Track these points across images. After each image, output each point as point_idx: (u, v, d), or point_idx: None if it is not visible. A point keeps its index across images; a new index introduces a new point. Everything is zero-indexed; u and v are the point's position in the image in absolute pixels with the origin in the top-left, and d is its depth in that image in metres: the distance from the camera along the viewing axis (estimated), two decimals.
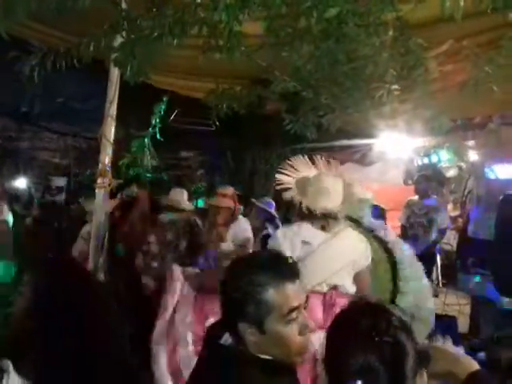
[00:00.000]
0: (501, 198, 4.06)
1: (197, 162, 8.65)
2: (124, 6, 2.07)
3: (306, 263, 2.66)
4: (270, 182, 7.52)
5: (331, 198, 2.82)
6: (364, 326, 1.18)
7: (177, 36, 2.02)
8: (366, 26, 1.77)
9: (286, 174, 2.99)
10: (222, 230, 4.19)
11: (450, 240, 6.58)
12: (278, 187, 2.94)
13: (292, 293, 1.34)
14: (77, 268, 1.90)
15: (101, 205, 3.54)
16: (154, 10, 1.90)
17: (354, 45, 1.83)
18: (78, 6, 1.76)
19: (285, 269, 1.38)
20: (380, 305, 1.30)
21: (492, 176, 4.85)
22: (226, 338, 1.41)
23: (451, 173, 6.36)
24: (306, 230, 2.79)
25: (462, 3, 1.58)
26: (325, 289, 2.74)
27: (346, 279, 2.79)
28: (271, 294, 1.31)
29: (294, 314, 1.33)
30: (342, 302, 2.60)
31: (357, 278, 2.82)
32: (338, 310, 2.51)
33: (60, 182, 7.61)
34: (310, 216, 2.79)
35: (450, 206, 6.06)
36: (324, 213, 2.76)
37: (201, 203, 7.29)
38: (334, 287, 2.75)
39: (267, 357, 1.35)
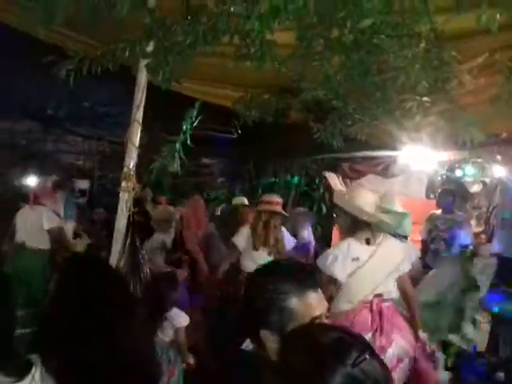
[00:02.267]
0: None
1: (218, 170, 8.69)
2: (158, 13, 2.10)
3: (355, 278, 2.89)
4: (289, 192, 7.52)
5: (373, 208, 2.94)
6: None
7: (209, 43, 2.05)
8: (399, 38, 1.76)
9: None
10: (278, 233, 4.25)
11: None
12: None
13: (314, 301, 1.34)
14: (105, 266, 1.93)
15: (123, 208, 3.57)
16: (189, 17, 1.93)
17: (385, 56, 1.83)
18: (115, 14, 1.79)
19: (307, 278, 1.38)
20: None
21: None
22: (248, 344, 1.42)
23: (475, 188, 6.26)
24: (355, 248, 2.94)
25: (498, 16, 1.57)
26: (370, 298, 2.91)
27: (389, 285, 2.99)
28: (294, 302, 1.31)
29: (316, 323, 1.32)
30: (386, 308, 2.89)
31: (399, 282, 3.02)
32: (384, 315, 2.87)
33: (83, 184, 7.72)
34: (354, 231, 2.95)
35: (473, 222, 5.95)
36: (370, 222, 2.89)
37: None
38: (379, 295, 2.93)
39: None
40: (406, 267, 3.03)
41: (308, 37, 1.98)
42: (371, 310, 2.88)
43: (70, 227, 5.52)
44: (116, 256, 3.49)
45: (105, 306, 1.59)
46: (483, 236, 5.75)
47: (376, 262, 2.93)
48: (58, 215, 5.12)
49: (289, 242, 4.43)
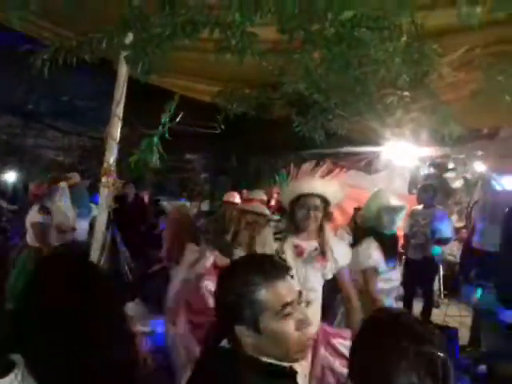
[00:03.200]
0: (507, 209, 4.02)
1: (200, 165, 8.62)
2: (136, 2, 2.06)
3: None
4: (272, 189, 7.50)
5: None
6: (406, 344, 1.19)
7: (189, 35, 2.01)
8: (380, 31, 1.75)
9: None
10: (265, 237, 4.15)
11: (454, 251, 6.53)
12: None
13: (283, 289, 1.36)
14: (86, 263, 1.88)
15: (104, 205, 3.52)
16: (167, 8, 1.89)
17: (366, 49, 1.82)
18: (89, 6, 1.75)
19: (273, 267, 1.41)
20: (414, 319, 1.32)
21: (499, 187, 4.81)
22: (226, 342, 1.41)
23: (457, 183, 6.33)
24: None
25: (478, 10, 1.56)
26: None
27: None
28: (263, 293, 1.34)
29: (287, 310, 1.34)
30: None
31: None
32: None
33: None
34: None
35: (454, 217, 6.02)
36: None
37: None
38: None
39: (267, 359, 1.35)
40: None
41: (289, 29, 1.95)
42: None
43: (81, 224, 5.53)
44: (96, 253, 3.45)
45: (86, 305, 1.55)
46: (464, 231, 5.82)
47: None
48: (48, 211, 5.06)
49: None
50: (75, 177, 6.07)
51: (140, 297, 4.20)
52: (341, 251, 2.94)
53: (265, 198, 4.25)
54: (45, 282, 1.64)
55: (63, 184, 5.46)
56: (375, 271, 3.46)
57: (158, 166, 2.37)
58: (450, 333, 4.57)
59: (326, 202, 2.75)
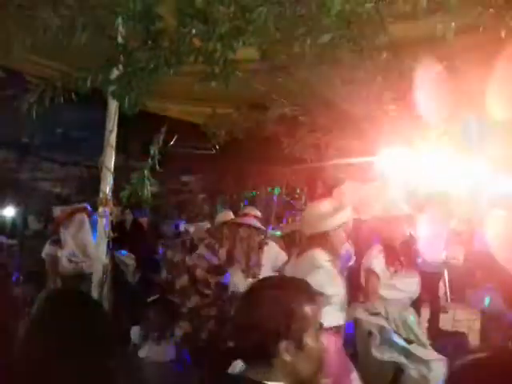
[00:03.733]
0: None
1: (198, 186, 8.64)
2: (120, 39, 2.09)
3: None
4: (272, 204, 7.52)
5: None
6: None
7: (173, 66, 2.04)
8: (360, 51, 1.79)
9: None
10: (260, 255, 4.04)
11: (458, 255, 6.50)
12: None
13: (318, 310, 1.44)
14: (85, 300, 1.88)
15: (102, 234, 3.52)
16: (150, 42, 1.92)
17: (348, 69, 1.85)
18: (75, 42, 1.78)
19: (309, 288, 1.50)
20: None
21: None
22: (236, 366, 1.42)
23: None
24: None
25: (453, 24, 1.60)
26: None
27: None
28: (308, 310, 1.40)
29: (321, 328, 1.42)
30: None
31: None
32: None
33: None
34: None
35: (455, 221, 6.01)
36: None
37: None
38: None
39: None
40: None
41: (270, 53, 1.99)
42: None
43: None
44: (97, 285, 3.45)
45: (83, 345, 1.55)
46: (465, 235, 5.80)
47: None
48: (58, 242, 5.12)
49: (280, 254, 4.22)
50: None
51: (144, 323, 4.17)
52: None
53: (258, 213, 4.24)
54: (41, 321, 1.64)
55: (80, 215, 5.43)
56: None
57: (150, 198, 2.37)
58: (459, 338, 4.54)
59: None
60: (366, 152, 5.08)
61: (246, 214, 4.15)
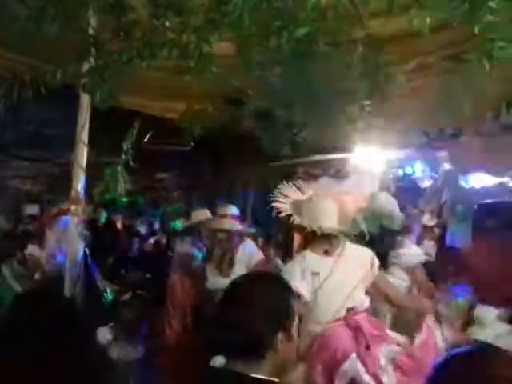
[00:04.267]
0: (475, 207, 4.11)
1: (173, 183, 8.55)
2: (91, 31, 2.03)
3: (320, 295, 2.68)
4: (247, 201, 7.51)
5: (331, 217, 2.82)
6: None
7: (146, 59, 1.99)
8: (336, 44, 1.78)
9: (280, 201, 2.95)
10: (233, 255, 3.92)
11: (429, 250, 6.63)
12: (281, 215, 2.89)
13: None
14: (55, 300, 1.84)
15: (74, 233, 3.45)
16: (122, 34, 1.87)
17: (324, 63, 1.84)
18: (43, 34, 1.72)
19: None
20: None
21: (466, 186, 4.92)
22: (216, 360, 1.44)
23: (426, 183, 6.46)
24: (312, 260, 2.76)
25: (428, 19, 1.60)
26: (343, 313, 2.69)
27: (359, 296, 2.77)
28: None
29: None
30: (363, 320, 2.67)
31: (372, 288, 2.84)
32: (364, 329, 2.63)
33: (33, 209, 7.40)
34: (313, 241, 2.80)
35: (426, 217, 6.13)
36: (328, 233, 2.74)
37: (178, 225, 7.18)
38: (351, 309, 2.71)
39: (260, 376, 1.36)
40: (373, 273, 2.84)
41: (247, 47, 1.96)
42: (349, 327, 2.66)
43: None
44: (70, 283, 3.37)
45: (52, 348, 1.52)
46: (436, 230, 5.92)
47: (340, 274, 2.73)
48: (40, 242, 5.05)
49: (256, 252, 4.17)
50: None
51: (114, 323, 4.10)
52: None
53: (236, 212, 4.14)
54: (12, 321, 1.61)
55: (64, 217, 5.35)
56: None
57: (123, 193, 2.32)
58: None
59: None
60: (341, 148, 5.14)
61: (224, 216, 4.03)
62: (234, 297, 1.46)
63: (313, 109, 2.20)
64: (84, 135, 3.51)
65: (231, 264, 3.91)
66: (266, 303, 1.41)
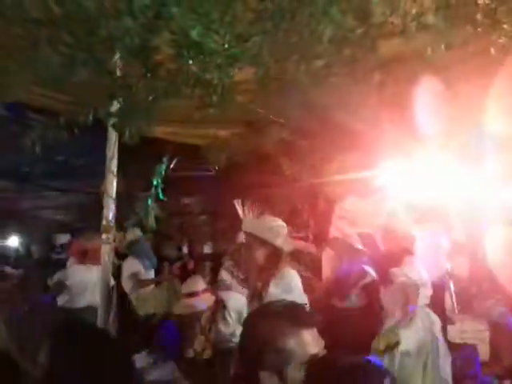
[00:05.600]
0: None
1: (198, 208, 8.65)
2: (118, 73, 2.15)
3: None
4: None
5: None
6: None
7: (171, 96, 2.09)
8: (353, 73, 1.83)
9: None
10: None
11: (462, 266, 6.48)
12: None
13: (310, 340, 1.34)
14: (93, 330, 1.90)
15: (106, 261, 3.55)
16: (148, 74, 1.97)
17: (342, 92, 1.89)
18: (76, 78, 1.83)
19: (302, 317, 1.40)
20: None
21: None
22: None
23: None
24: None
25: (442, 47, 1.65)
26: None
27: None
28: (291, 342, 1.31)
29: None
30: None
31: None
32: None
33: (64, 239, 7.61)
34: (277, 259, 2.86)
35: (457, 233, 6.02)
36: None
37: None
38: None
39: None
40: None
41: (266, 80, 2.04)
42: None
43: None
44: (103, 312, 3.45)
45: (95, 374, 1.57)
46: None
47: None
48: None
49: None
50: (136, 232, 6.06)
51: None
52: None
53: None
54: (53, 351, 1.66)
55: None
56: None
57: (154, 226, 2.41)
58: (468, 350, 4.51)
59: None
60: (366, 166, 5.13)
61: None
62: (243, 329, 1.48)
63: (334, 135, 2.26)
64: (113, 166, 3.65)
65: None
66: (246, 340, 1.40)
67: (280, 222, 2.94)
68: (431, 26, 1.58)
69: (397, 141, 2.61)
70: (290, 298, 2.32)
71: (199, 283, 3.77)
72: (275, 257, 2.78)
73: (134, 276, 5.64)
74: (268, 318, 1.38)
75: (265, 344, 1.32)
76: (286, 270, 2.81)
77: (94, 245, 4.59)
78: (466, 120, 2.49)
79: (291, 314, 1.39)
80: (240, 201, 3.01)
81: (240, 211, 2.99)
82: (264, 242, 2.80)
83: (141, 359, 3.89)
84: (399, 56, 2.53)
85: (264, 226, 2.84)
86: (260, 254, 2.78)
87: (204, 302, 3.66)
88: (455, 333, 5.74)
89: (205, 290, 3.72)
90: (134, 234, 5.51)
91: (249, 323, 1.45)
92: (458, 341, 5.14)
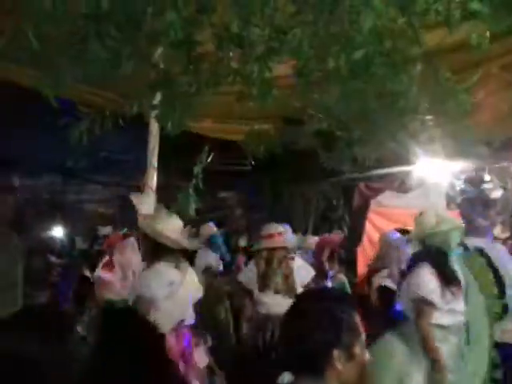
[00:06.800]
0: None
1: (235, 202, 8.76)
2: (162, 66, 2.21)
3: (170, 303, 2.82)
4: (308, 217, 7.53)
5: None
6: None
7: (212, 88, 2.14)
8: (394, 64, 1.82)
9: None
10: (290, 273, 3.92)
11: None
12: None
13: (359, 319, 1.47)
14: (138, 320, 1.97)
15: None
16: (191, 67, 2.02)
17: (382, 83, 1.88)
18: (122, 72, 1.90)
19: (351, 299, 1.58)
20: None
21: None
22: (284, 378, 1.46)
23: (496, 194, 6.18)
24: (169, 271, 2.91)
25: (487, 34, 1.62)
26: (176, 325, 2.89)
27: (191, 311, 3.05)
28: (356, 319, 1.44)
29: None
30: (188, 333, 2.93)
31: None
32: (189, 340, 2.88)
33: (106, 230, 7.86)
34: (160, 254, 2.93)
35: (498, 228, 5.85)
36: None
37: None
38: (182, 321, 2.93)
39: None
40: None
41: (305, 71, 2.05)
42: (178, 337, 2.86)
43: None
44: None
45: (140, 361, 1.62)
46: (510, 242, 5.64)
47: (186, 288, 2.92)
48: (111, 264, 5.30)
49: (307, 273, 4.08)
50: (212, 226, 6.29)
51: None
52: None
53: (282, 229, 4.11)
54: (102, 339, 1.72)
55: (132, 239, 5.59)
56: (430, 304, 3.11)
57: (194, 215, 2.48)
58: (508, 349, 4.37)
59: None
60: (404, 162, 5.05)
61: (268, 236, 3.99)
62: (289, 315, 1.51)
63: (372, 127, 2.25)
64: (154, 160, 3.76)
65: (286, 279, 3.94)
66: (316, 322, 1.41)
67: None
68: (476, 13, 1.55)
69: (438, 134, 2.56)
70: None
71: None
72: None
73: (209, 268, 5.77)
74: (337, 299, 1.50)
75: (342, 321, 1.41)
76: None
77: None
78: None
79: (346, 297, 1.65)
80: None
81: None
82: None
83: None
84: (442, 47, 2.50)
85: None
86: None
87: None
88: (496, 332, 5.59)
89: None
90: (210, 228, 5.70)
91: (317, 304, 1.48)
92: (497, 340, 5.01)
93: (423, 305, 3.12)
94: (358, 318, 1.45)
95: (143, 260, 3.19)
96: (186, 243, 3.04)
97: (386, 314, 3.82)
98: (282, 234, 4.01)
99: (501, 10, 1.77)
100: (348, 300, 1.55)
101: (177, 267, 2.93)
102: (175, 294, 2.84)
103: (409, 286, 3.23)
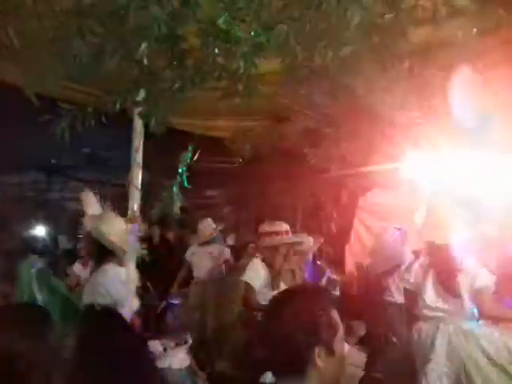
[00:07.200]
0: None
1: (223, 200, 8.69)
2: (146, 61, 2.16)
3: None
4: (297, 214, 7.51)
5: None
6: None
7: (197, 84, 2.10)
8: (381, 60, 1.80)
9: None
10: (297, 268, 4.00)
11: (490, 261, 6.33)
12: None
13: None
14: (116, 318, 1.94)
15: (132, 250, 3.59)
16: (175, 62, 1.98)
17: (369, 79, 1.86)
18: (105, 68, 1.86)
19: (329, 294, 1.57)
20: None
21: None
22: (266, 377, 1.44)
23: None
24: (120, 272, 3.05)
25: (474, 30, 1.60)
26: None
27: None
28: (335, 315, 1.42)
29: None
30: None
31: None
32: None
33: None
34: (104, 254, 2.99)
35: (485, 226, 5.89)
36: None
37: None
38: None
39: None
40: None
41: (293, 67, 2.02)
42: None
43: None
44: (133, 300, 3.51)
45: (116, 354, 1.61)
46: None
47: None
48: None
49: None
50: (210, 222, 6.25)
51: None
52: None
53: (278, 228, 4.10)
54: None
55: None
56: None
57: (179, 213, 2.44)
58: None
59: None
60: (392, 158, 5.05)
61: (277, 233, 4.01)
62: (269, 315, 1.48)
63: (360, 124, 2.23)
64: (138, 157, 3.70)
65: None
66: (295, 321, 1.39)
67: None
68: (463, 9, 1.54)
69: (425, 130, 2.56)
70: None
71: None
72: None
73: None
74: (316, 296, 1.48)
75: (320, 318, 1.38)
76: None
77: None
78: (496, 108, 2.42)
79: (326, 292, 1.57)
80: None
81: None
82: None
83: (154, 346, 3.97)
84: (429, 43, 2.48)
85: None
86: None
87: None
88: None
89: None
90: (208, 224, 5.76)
91: (297, 301, 1.46)
92: None
93: None
94: (335, 313, 1.43)
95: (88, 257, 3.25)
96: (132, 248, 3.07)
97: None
98: (285, 232, 4.02)
99: (487, 5, 1.76)
100: (325, 295, 1.53)
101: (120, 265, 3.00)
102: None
103: None
